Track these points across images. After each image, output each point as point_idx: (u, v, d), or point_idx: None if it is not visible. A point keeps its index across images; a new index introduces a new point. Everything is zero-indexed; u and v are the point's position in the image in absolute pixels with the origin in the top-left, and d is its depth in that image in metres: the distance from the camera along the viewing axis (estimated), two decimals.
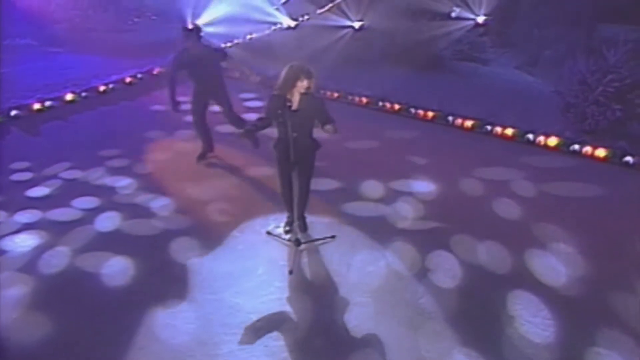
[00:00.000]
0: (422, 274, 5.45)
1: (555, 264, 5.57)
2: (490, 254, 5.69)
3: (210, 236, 6.05)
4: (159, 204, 6.72)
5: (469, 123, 9.33)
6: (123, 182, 7.22)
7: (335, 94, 10.49)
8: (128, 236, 6.07)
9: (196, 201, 6.74)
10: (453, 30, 12.79)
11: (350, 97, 10.45)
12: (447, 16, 12.66)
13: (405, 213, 6.47)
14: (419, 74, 11.83)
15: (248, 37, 13.57)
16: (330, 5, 14.05)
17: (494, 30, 13.21)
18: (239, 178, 7.31)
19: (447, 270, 5.45)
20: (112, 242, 5.90)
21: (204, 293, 5.18)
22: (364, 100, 10.36)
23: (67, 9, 15.15)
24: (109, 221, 6.34)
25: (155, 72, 11.71)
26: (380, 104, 10.05)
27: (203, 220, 6.39)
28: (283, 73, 5.48)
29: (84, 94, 10.44)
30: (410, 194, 6.88)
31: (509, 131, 8.92)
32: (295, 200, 5.96)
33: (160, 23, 16.18)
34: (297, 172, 5.77)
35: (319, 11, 14.18)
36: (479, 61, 12.97)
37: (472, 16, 12.94)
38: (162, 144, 8.46)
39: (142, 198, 6.86)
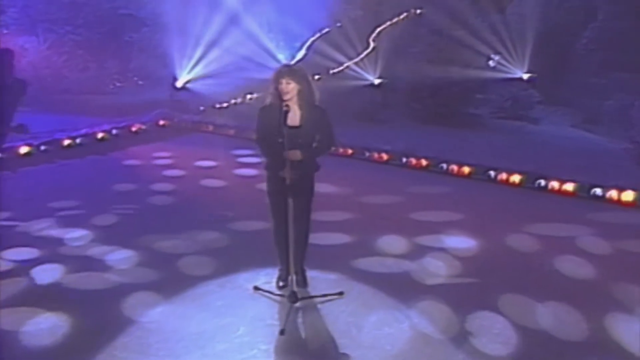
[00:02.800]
0: (461, 337, 5.15)
1: None
2: (556, 317, 5.46)
3: (178, 291, 5.83)
4: (118, 256, 6.60)
5: (515, 178, 9.15)
6: (74, 234, 7.16)
7: (350, 151, 10.44)
8: (69, 290, 5.88)
9: (167, 254, 6.65)
10: (491, 82, 12.68)
11: (367, 154, 10.37)
12: (484, 66, 12.59)
13: (436, 269, 6.35)
14: (450, 131, 11.84)
15: (248, 97, 13.60)
16: (345, 66, 14.21)
17: (541, 84, 13.07)
18: (225, 231, 7.26)
19: (495, 334, 5.18)
20: (45, 297, 5.70)
21: (160, 356, 4.85)
22: (384, 156, 10.24)
23: (39, 68, 15.39)
24: (45, 274, 6.16)
25: (134, 129, 11.99)
26: (404, 159, 10.03)
27: (172, 274, 6.22)
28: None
29: (43, 147, 10.43)
30: (441, 249, 6.80)
31: (569, 186, 8.75)
32: (291, 246, 5.51)
33: (147, 87, 16.49)
34: (293, 201, 5.52)
35: (332, 71, 14.36)
36: (526, 119, 12.79)
37: (513, 69, 12.91)
38: (132, 197, 8.54)
39: (96, 250, 6.75)
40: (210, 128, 12.20)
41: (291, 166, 5.24)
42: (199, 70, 14.12)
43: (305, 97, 5.35)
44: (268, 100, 5.42)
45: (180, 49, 14.57)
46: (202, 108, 13.34)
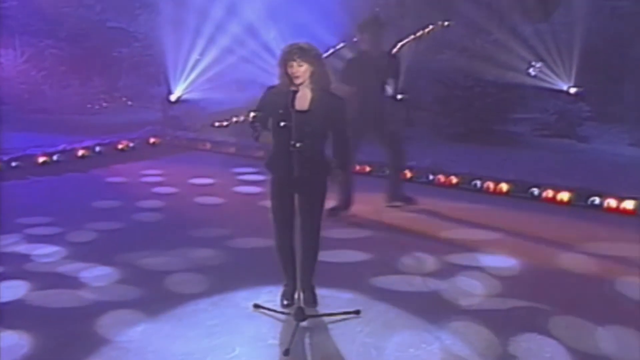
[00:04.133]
0: None
1: None
2: (620, 341, 5.39)
3: (164, 310, 5.76)
4: (95, 273, 6.58)
5: (564, 196, 9.01)
6: (44, 250, 7.18)
7: (367, 168, 10.37)
8: (34, 308, 5.86)
9: (152, 272, 6.65)
10: (532, 94, 12.52)
11: (387, 171, 9.99)
12: (524, 74, 12.48)
13: (471, 289, 6.35)
14: (485, 148, 11.76)
15: (252, 115, 13.56)
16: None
17: (592, 98, 12.91)
18: (221, 248, 7.26)
19: (547, 357, 5.15)
20: (5, 315, 5.68)
21: None
22: (407, 173, 9.97)
23: (15, 84, 15.51)
24: (8, 291, 6.16)
25: (120, 146, 11.98)
26: (431, 177, 10.02)
27: (157, 291, 6.18)
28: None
29: (13, 164, 10.42)
30: (477, 268, 6.82)
31: (629, 203, 8.57)
32: (298, 255, 5.41)
33: (138, 107, 16.56)
34: (301, 201, 5.38)
35: (344, 90, 14.37)
36: (575, 137, 12.57)
37: (558, 80, 12.79)
38: (115, 213, 8.53)
39: (68, 267, 6.75)
40: (208, 146, 12.21)
41: (297, 160, 5.11)
42: (196, 84, 14.09)
43: (318, 81, 5.27)
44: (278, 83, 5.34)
45: (176, 62, 14.58)
46: (198, 126, 13.28)
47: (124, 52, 17.39)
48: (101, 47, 17.36)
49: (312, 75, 5.23)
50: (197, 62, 14.47)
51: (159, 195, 9.22)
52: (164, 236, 7.65)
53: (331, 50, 13.29)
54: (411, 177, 10.02)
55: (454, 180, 9.85)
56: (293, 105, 5.04)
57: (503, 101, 12.33)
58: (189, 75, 14.17)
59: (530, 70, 12.49)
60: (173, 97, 13.95)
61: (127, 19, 17.51)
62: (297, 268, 5.42)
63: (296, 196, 5.29)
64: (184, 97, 13.98)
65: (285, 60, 5.21)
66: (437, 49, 13.20)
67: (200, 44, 14.43)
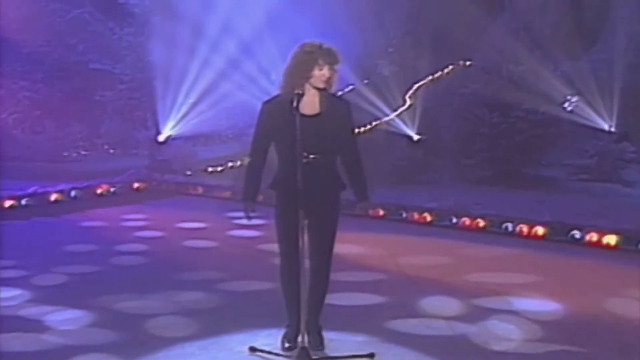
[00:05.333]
0: None
1: None
2: None
3: (144, 353, 5.64)
4: (62, 317, 6.52)
5: (610, 239, 8.93)
6: (5, 294, 7.12)
7: (381, 211, 10.37)
8: None
9: (131, 315, 6.58)
10: (568, 132, 12.46)
11: (404, 214, 10.31)
12: (559, 108, 12.42)
13: (506, 333, 6.30)
14: (513, 191, 11.66)
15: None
16: (373, 125, 14.30)
17: (637, 139, 12.75)
18: (213, 291, 7.24)
19: None
20: None
21: None
22: (427, 216, 10.15)
23: None
24: None
25: (99, 190, 11.95)
26: (454, 220, 10.02)
27: (137, 335, 6.08)
28: (290, 58, 5.36)
29: None
30: (512, 312, 6.83)
31: None
32: (305, 292, 5.26)
33: (120, 155, 16.55)
34: (311, 230, 5.34)
35: (357, 130, 14.37)
36: (619, 181, 12.36)
37: (597, 117, 12.72)
38: (90, 257, 8.52)
39: (33, 310, 6.68)
40: (200, 190, 12.21)
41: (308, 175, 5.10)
42: (187, 122, 14.18)
43: (331, 85, 5.38)
44: (281, 89, 5.32)
45: (165, 103, 14.68)
46: (188, 172, 13.25)
47: (107, 96, 17.37)
48: (82, 90, 17.33)
49: (330, 79, 5.31)
50: (190, 105, 14.70)
51: (142, 239, 9.19)
52: (147, 279, 7.64)
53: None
54: (431, 221, 10.05)
55: (481, 223, 9.83)
56: (298, 109, 5.06)
57: (534, 139, 12.15)
58: (178, 112, 14.32)
59: (566, 104, 12.38)
60: (161, 138, 14.00)
61: (112, 61, 17.62)
62: (303, 306, 5.28)
63: (306, 222, 5.22)
64: (175, 134, 14.06)
65: (314, 61, 5.21)
66: (459, 83, 13.17)
67: (193, 84, 14.64)
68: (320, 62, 5.20)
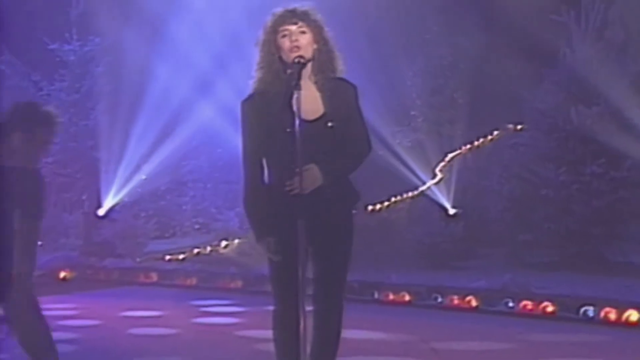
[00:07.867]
0: None
1: None
2: None
3: None
4: None
5: None
6: None
7: (407, 297, 10.63)
8: None
9: None
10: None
11: (439, 298, 10.58)
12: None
13: None
14: (590, 275, 11.35)
15: (223, 244, 13.54)
16: (392, 201, 14.51)
17: None
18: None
19: None
20: None
21: None
22: (473, 301, 10.30)
23: None
24: None
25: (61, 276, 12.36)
26: (510, 303, 10.05)
27: None
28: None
29: None
30: None
31: None
32: (304, 342, 4.94)
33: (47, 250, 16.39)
34: (316, 259, 5.25)
35: (370, 207, 14.27)
36: None
37: None
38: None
39: None
40: (154, 277, 12.11)
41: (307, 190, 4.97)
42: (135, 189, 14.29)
43: (323, 65, 5.09)
44: (257, 85, 5.16)
45: (107, 175, 14.70)
46: (138, 259, 13.04)
47: None
48: None
49: (317, 55, 5.03)
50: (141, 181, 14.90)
51: (68, 328, 8.80)
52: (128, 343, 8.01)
53: None
54: (476, 306, 10.21)
55: (550, 307, 9.78)
56: (292, 111, 4.86)
57: (620, 204, 11.70)
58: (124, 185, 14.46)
59: None
60: (102, 211, 13.92)
61: None
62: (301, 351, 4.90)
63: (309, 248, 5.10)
64: (119, 204, 14.30)
65: (277, 26, 5.06)
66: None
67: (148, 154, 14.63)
68: (282, 25, 5.06)
